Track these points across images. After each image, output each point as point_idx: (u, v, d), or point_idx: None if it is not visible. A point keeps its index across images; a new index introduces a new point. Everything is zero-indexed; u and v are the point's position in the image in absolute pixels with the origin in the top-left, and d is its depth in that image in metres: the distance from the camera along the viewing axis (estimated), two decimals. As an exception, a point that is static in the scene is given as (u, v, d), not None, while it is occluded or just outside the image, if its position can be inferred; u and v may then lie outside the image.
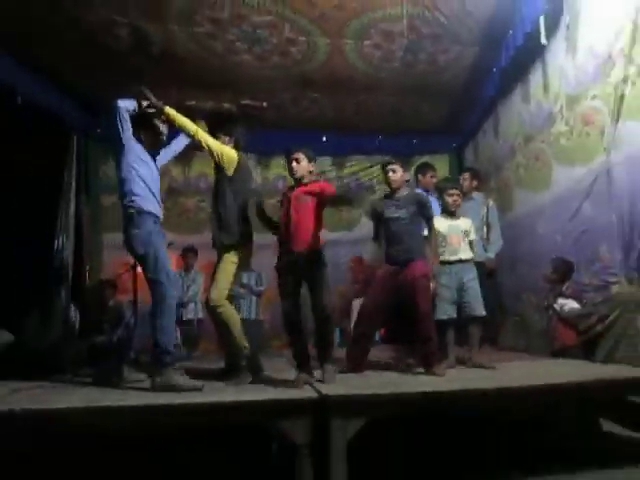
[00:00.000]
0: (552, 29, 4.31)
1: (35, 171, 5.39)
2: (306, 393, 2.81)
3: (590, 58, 3.96)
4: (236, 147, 3.71)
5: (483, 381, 3.05)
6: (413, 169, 5.06)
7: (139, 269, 5.47)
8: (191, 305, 6.00)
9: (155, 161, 3.47)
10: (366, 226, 7.29)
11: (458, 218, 4.05)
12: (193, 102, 6.00)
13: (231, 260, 3.51)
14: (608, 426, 3.53)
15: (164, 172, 6.82)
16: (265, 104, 6.03)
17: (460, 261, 3.93)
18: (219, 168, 3.60)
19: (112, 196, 5.95)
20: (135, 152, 3.29)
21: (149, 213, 3.23)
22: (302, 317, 3.27)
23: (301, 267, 3.20)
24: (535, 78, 4.89)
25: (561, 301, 4.04)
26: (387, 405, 2.70)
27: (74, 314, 4.98)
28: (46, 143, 5.64)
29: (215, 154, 3.52)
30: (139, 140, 3.34)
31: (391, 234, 3.70)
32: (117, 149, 3.30)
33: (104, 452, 2.96)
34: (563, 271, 4.15)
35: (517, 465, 2.88)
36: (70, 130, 6.10)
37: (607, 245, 3.83)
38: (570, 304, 4.00)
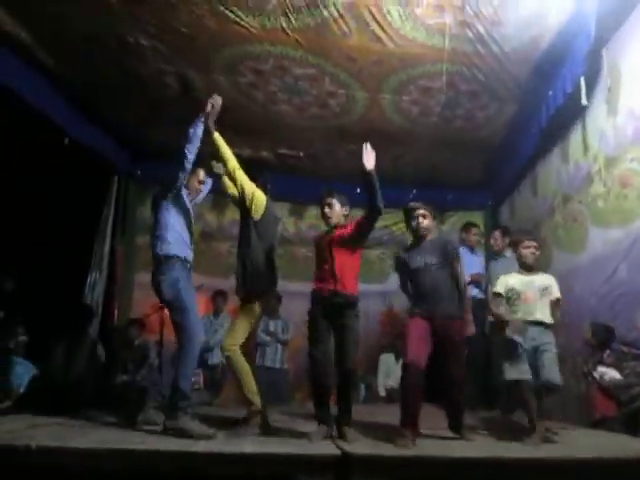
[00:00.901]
0: (592, 90, 4.29)
1: (76, 206, 5.59)
2: (328, 449, 2.70)
3: (630, 120, 3.91)
4: (263, 192, 3.66)
5: (516, 450, 2.87)
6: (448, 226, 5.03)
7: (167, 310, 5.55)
8: (217, 350, 5.94)
9: (190, 204, 3.54)
10: (397, 278, 7.23)
11: (536, 274, 3.59)
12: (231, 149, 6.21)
13: (253, 308, 3.43)
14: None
15: (198, 216, 7.01)
16: (302, 154, 6.17)
17: (537, 323, 3.43)
18: (245, 212, 3.55)
19: (147, 236, 6.01)
20: (177, 197, 3.36)
21: (178, 258, 3.26)
22: (330, 368, 3.13)
23: (336, 312, 3.13)
24: (574, 138, 4.85)
25: (601, 369, 3.83)
26: (412, 468, 2.56)
27: (101, 351, 4.96)
28: (90, 180, 5.86)
29: (247, 195, 3.48)
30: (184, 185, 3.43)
31: (420, 286, 3.35)
32: (164, 194, 3.36)
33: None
34: (603, 337, 3.96)
35: None
36: (112, 170, 6.32)
37: (644, 311, 3.66)
38: (610, 373, 3.78)
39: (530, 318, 3.44)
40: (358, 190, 6.67)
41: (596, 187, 4.41)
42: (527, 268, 3.57)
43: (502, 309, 3.50)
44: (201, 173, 3.61)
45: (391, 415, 4.40)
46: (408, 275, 3.48)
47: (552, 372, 3.31)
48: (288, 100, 5.10)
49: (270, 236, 3.60)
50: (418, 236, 3.48)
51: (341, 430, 3.01)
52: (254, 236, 3.47)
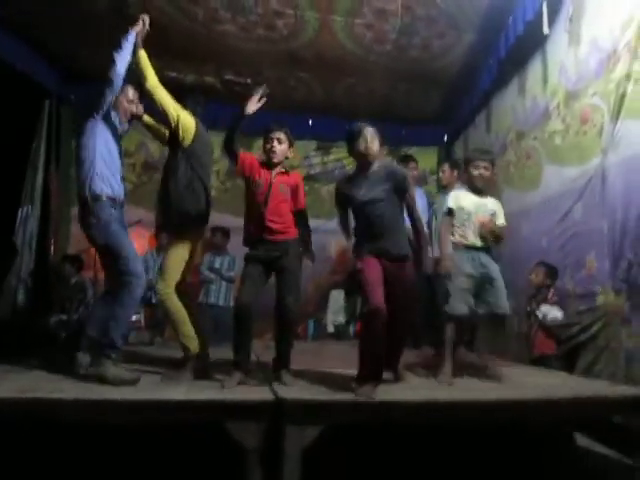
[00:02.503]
0: (554, 19, 4.07)
1: (3, 135, 5.08)
2: (261, 395, 2.58)
3: (593, 52, 3.73)
4: (192, 115, 3.25)
5: (447, 391, 2.84)
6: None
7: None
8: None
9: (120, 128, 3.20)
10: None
11: (486, 197, 3.37)
12: (174, 74, 5.73)
13: (181, 245, 3.13)
14: (583, 441, 3.36)
15: (140, 146, 6.60)
16: (249, 81, 5.76)
17: (486, 249, 3.29)
18: (171, 138, 3.19)
19: (82, 167, 5.66)
20: (105, 121, 3.03)
21: (107, 197, 2.94)
22: (252, 313, 2.90)
23: (275, 258, 2.94)
24: (533, 71, 4.65)
25: (544, 308, 3.84)
26: (347, 413, 2.48)
27: (30, 291, 4.67)
28: (18, 105, 5.32)
29: (171, 118, 3.10)
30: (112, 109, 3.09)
31: (366, 222, 2.87)
32: (89, 115, 2.99)
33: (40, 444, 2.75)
34: (547, 277, 3.95)
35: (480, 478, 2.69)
36: (43, 93, 5.76)
37: (595, 252, 3.64)
38: (554, 312, 3.80)
39: (480, 243, 3.27)
40: (310, 122, 6.49)
41: (554, 123, 4.27)
42: (475, 190, 3.33)
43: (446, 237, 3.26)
44: (130, 91, 3.22)
45: (338, 353, 4.43)
46: (349, 209, 3.02)
47: (503, 301, 3.21)
48: (232, 19, 4.67)
49: (202, 165, 3.22)
50: (363, 163, 2.94)
51: (278, 374, 2.90)
52: (182, 165, 3.12)
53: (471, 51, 5.00)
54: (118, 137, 3.15)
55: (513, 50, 4.48)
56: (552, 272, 3.95)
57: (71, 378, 2.85)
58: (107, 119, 3.06)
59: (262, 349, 3.69)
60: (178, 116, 3.11)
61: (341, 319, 6.26)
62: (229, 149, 3.01)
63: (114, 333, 2.83)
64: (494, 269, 3.26)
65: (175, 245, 3.13)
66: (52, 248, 5.97)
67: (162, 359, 3.54)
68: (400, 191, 2.90)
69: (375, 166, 2.94)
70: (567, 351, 3.73)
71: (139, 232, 5.99)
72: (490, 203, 3.38)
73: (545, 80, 4.42)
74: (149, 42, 4.87)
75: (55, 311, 5.13)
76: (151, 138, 6.08)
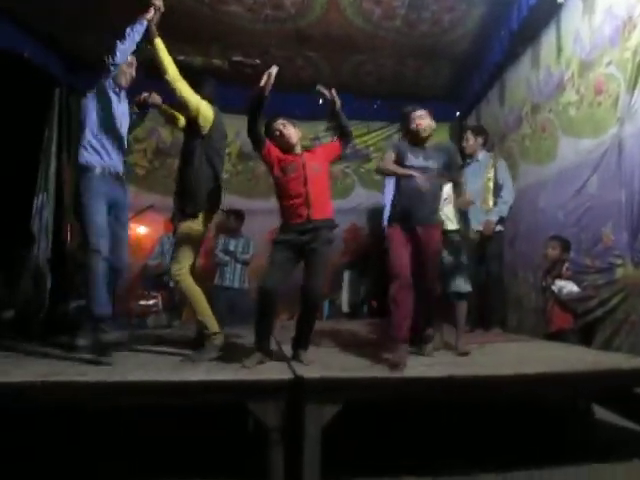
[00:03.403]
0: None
1: (14, 125, 5.11)
2: (280, 374, 2.61)
3: (608, 20, 3.63)
4: (210, 103, 3.30)
5: (470, 367, 2.84)
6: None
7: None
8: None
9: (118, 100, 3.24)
10: (361, 195, 7.07)
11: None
12: (182, 57, 5.69)
13: (195, 228, 3.18)
14: (601, 413, 3.36)
15: (151, 132, 6.59)
16: (258, 61, 5.71)
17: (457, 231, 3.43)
18: (190, 127, 3.24)
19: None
20: (101, 96, 3.09)
21: (95, 167, 3.04)
22: (277, 299, 2.91)
23: (306, 242, 2.90)
24: (547, 42, 4.55)
25: (560, 283, 3.81)
26: (365, 390, 2.51)
27: (48, 278, 4.73)
28: (28, 95, 5.35)
29: (192, 109, 3.15)
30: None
31: (412, 190, 3.01)
32: (86, 91, 3.08)
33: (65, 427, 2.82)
34: (562, 251, 3.91)
35: (501, 454, 2.71)
36: (53, 83, 5.77)
37: (612, 225, 3.59)
38: (569, 286, 3.76)
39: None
40: (320, 101, 6.42)
41: (568, 94, 4.19)
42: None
43: None
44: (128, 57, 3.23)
45: (353, 332, 4.46)
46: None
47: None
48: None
49: (218, 152, 3.29)
50: (418, 139, 3.17)
51: (297, 353, 2.92)
52: (198, 152, 3.17)
53: (482, 24, 4.88)
54: (113, 109, 3.18)
55: (526, 21, 4.36)
56: (566, 246, 3.91)
57: (88, 363, 2.91)
58: (101, 93, 3.12)
59: (278, 329, 3.72)
60: (198, 107, 3.15)
61: (355, 299, 6.28)
62: (255, 135, 2.94)
63: (94, 308, 2.93)
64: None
65: (187, 228, 3.16)
66: (68, 235, 6.03)
67: (180, 341, 3.59)
68: (452, 164, 3.20)
69: (430, 142, 3.21)
70: (585, 325, 3.70)
71: (153, 217, 6.05)
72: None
73: (559, 50, 4.33)
74: (155, 26, 4.89)
75: (73, 297, 5.19)
76: (162, 124, 6.16)
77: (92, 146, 3.04)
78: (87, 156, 3.03)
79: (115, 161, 3.14)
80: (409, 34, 5.07)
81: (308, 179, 2.93)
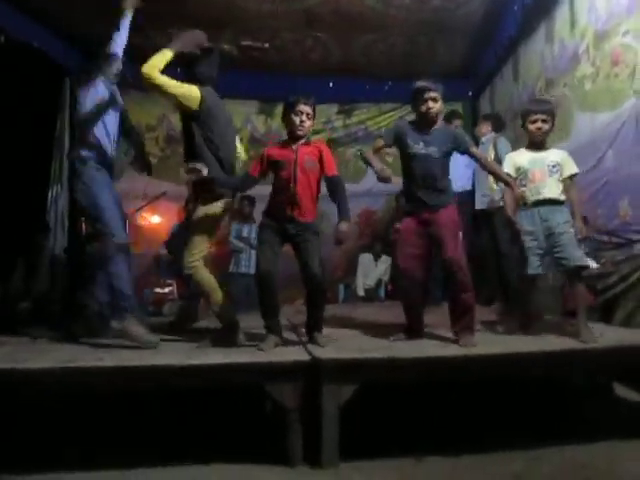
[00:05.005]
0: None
1: (26, 116, 5.14)
2: (297, 356, 2.61)
3: (625, -13, 3.53)
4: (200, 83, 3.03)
5: (488, 345, 2.81)
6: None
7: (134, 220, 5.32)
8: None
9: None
10: (374, 178, 6.99)
11: (545, 150, 3.19)
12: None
13: (207, 215, 3.01)
14: (622, 391, 3.32)
15: (246, 120, 6.55)
16: (267, 45, 5.67)
17: (546, 201, 3.10)
18: (185, 113, 3.02)
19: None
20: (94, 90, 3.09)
21: (90, 158, 3.04)
22: (276, 276, 2.88)
23: (295, 234, 2.88)
24: (561, 13, 4.45)
25: (577, 259, 3.74)
26: (382, 370, 2.50)
27: (63, 267, 4.77)
28: (40, 85, 5.37)
29: (180, 97, 2.92)
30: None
31: (416, 175, 2.96)
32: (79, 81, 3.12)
33: (85, 412, 2.86)
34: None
35: (522, 431, 2.69)
36: (64, 72, 5.79)
37: (629, 199, 3.52)
38: (588, 263, 3.70)
39: (537, 198, 3.12)
40: (331, 84, 6.36)
41: (583, 67, 4.10)
42: (535, 145, 3.18)
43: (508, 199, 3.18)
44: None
45: (369, 314, 4.45)
46: (404, 158, 3.06)
47: (575, 253, 3.04)
48: (247, -19, 4.57)
49: (218, 134, 3.04)
50: (426, 121, 2.99)
51: (312, 336, 2.92)
52: (197, 136, 2.97)
53: (494, -2, 4.81)
54: (111, 101, 3.17)
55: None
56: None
57: (110, 348, 2.94)
58: (95, 84, 3.11)
59: (294, 313, 3.72)
60: (182, 89, 2.92)
61: (370, 282, 6.27)
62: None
63: (119, 285, 2.92)
64: (557, 222, 3.08)
65: (200, 217, 3.02)
66: (83, 226, 6.07)
67: (196, 329, 3.60)
68: (460, 142, 3.00)
69: (437, 125, 3.01)
70: (604, 302, 3.64)
71: (166, 205, 6.08)
72: (552, 155, 3.19)
73: (573, 22, 4.23)
74: (164, 11, 4.88)
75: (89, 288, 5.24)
76: (173, 110, 6.14)
77: (90, 139, 3.03)
78: (86, 149, 3.03)
79: (110, 152, 3.15)
80: (421, 10, 5.01)
81: (297, 178, 2.85)
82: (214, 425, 2.85)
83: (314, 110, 2.94)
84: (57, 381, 2.39)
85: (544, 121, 3.13)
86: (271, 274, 2.84)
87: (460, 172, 4.52)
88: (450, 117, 5.03)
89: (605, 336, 2.97)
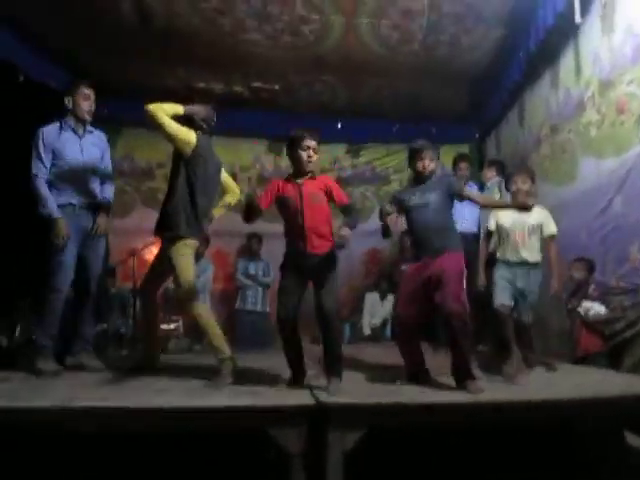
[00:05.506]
0: (586, 7, 3.96)
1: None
2: (302, 400, 2.58)
3: (629, 39, 3.62)
4: (196, 128, 3.16)
5: (497, 392, 2.77)
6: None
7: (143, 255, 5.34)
8: (201, 295, 5.78)
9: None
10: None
11: (528, 211, 3.44)
12: (203, 84, 5.82)
13: (180, 253, 3.03)
14: (633, 440, 3.24)
15: (256, 159, 6.69)
16: (276, 87, 5.81)
17: (523, 263, 3.44)
18: (177, 152, 3.14)
19: (118, 180, 5.79)
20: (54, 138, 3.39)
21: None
22: (297, 322, 2.92)
23: (311, 268, 2.89)
24: (565, 62, 4.54)
25: (586, 304, 3.74)
26: (389, 416, 2.46)
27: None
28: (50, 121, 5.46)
29: (175, 139, 3.05)
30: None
31: (418, 225, 3.09)
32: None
33: (84, 454, 2.81)
34: (588, 272, 3.84)
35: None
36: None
37: (639, 244, 3.52)
38: (596, 308, 3.69)
39: (515, 259, 3.45)
40: (339, 124, 6.47)
41: (588, 114, 4.16)
42: (519, 206, 3.38)
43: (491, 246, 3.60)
44: (84, 89, 3.42)
45: (375, 355, 4.40)
46: (406, 214, 3.18)
47: (525, 314, 3.47)
48: (258, 27, 4.71)
49: (202, 176, 3.12)
50: (422, 179, 3.17)
51: (329, 380, 2.84)
52: (181, 175, 3.06)
53: (500, 46, 4.92)
54: (74, 145, 3.41)
55: (543, 42, 4.38)
56: (591, 267, 3.85)
57: (113, 385, 2.92)
58: (57, 133, 3.37)
59: (310, 341, 3.78)
60: (177, 132, 3.04)
61: (376, 321, 6.22)
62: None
63: (39, 332, 3.33)
64: (529, 283, 3.45)
65: (176, 255, 3.04)
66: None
67: (201, 366, 3.57)
68: (453, 195, 3.11)
69: (431, 179, 3.19)
70: (613, 348, 3.60)
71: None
72: (534, 215, 3.50)
73: (578, 71, 4.31)
74: (176, 53, 5.03)
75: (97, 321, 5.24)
76: (264, 152, 6.37)
77: (52, 184, 3.28)
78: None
79: (82, 193, 3.38)
80: (427, 57, 5.13)
81: (305, 213, 2.88)
82: (217, 470, 2.79)
83: (319, 144, 2.99)
84: (60, 420, 2.37)
85: (524, 182, 3.50)
86: (289, 322, 2.90)
87: (466, 214, 4.56)
88: (458, 160, 5.11)
89: (614, 383, 2.93)
